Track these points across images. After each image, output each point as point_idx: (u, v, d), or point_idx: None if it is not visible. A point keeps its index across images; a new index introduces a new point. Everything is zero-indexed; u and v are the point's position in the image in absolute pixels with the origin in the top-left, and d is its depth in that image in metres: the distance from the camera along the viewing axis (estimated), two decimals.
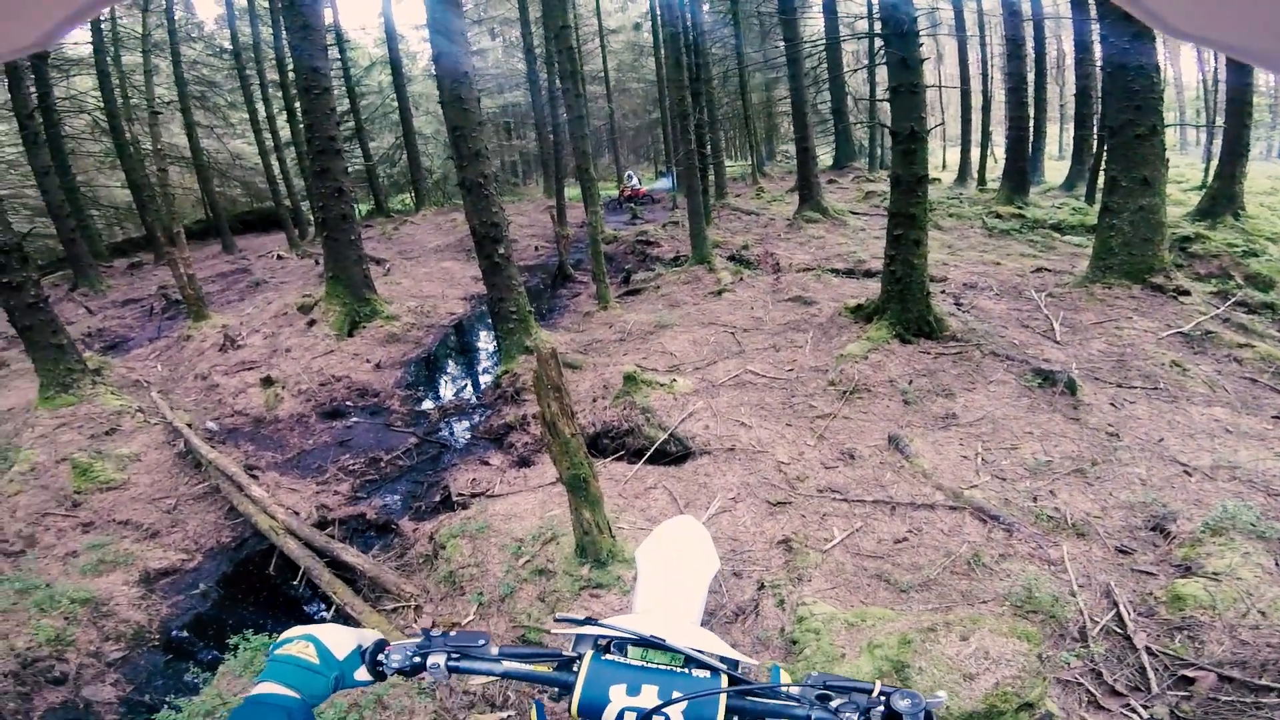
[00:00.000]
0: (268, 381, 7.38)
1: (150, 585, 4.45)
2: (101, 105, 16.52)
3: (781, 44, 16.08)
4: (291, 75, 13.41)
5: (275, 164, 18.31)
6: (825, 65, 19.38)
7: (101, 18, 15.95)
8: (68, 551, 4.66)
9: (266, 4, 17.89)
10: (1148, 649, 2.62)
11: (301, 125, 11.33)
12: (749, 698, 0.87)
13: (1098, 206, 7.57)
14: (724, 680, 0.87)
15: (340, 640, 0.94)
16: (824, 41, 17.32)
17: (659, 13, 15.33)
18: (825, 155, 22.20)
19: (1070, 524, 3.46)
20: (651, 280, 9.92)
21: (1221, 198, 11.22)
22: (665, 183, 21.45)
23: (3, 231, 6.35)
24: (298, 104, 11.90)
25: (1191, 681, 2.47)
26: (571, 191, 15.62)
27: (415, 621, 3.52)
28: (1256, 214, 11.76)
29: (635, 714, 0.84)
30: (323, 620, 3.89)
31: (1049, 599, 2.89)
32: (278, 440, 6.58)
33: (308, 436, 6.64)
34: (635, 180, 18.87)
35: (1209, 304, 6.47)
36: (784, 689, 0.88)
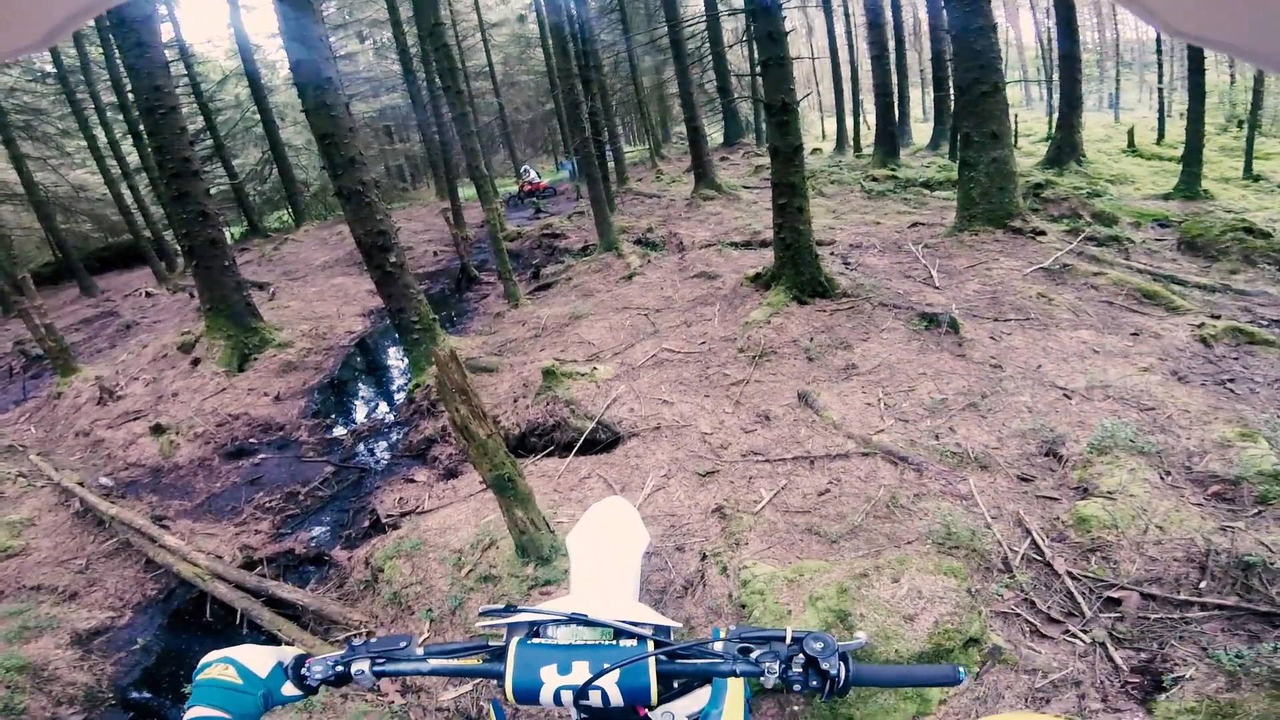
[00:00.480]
0: (158, 429, 6.81)
1: (85, 646, 4.14)
2: None
3: (665, 25, 16.27)
4: (131, 96, 12.20)
5: (127, 193, 16.67)
6: (707, 44, 19.80)
7: None
8: None
9: (92, 23, 16.06)
10: (1069, 573, 2.73)
11: (150, 149, 10.34)
12: (677, 659, 0.91)
13: (958, 162, 8.26)
14: (650, 646, 0.90)
15: (258, 659, 0.95)
16: (703, 20, 17.66)
17: (542, 3, 15.09)
18: (716, 133, 22.75)
19: (973, 457, 3.68)
20: (562, 272, 9.89)
21: (1065, 146, 12.54)
22: (566, 173, 21.26)
23: None
24: (142, 126, 10.85)
25: (1118, 602, 2.59)
26: (467, 191, 15.21)
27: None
28: (1095, 159, 13.23)
29: (570, 691, 0.86)
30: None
31: (967, 533, 3.03)
32: (182, 487, 6.11)
33: (214, 480, 6.20)
34: (533, 174, 18.61)
35: (1063, 241, 7.25)
36: (708, 645, 0.92)
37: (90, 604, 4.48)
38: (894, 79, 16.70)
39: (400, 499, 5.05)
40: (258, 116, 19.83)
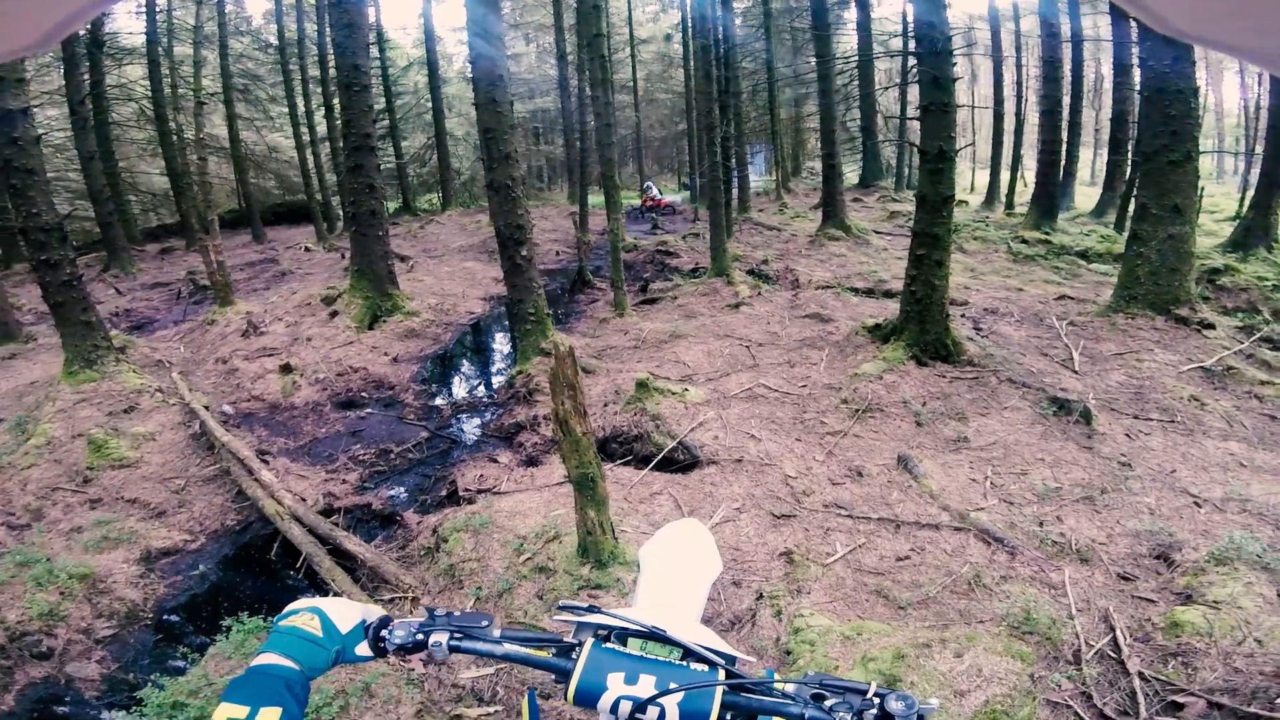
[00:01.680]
0: (286, 369, 7.51)
1: (150, 564, 4.46)
2: (149, 94, 16.99)
3: (813, 60, 16.11)
4: (333, 71, 13.73)
5: (310, 158, 18.70)
6: (856, 83, 19.37)
7: (157, 7, 16.47)
8: (73, 527, 4.71)
9: (313, 1, 18.34)
10: (1140, 674, 2.59)
11: (339, 121, 11.57)
12: (744, 693, 0.87)
13: (1126, 234, 7.47)
14: (720, 675, 0.87)
15: (345, 613, 0.94)
16: (856, 59, 17.30)
17: (690, 24, 15.47)
18: (852, 173, 22.13)
19: (1075, 549, 3.43)
20: (669, 290, 9.96)
21: (1255, 229, 10.94)
22: (687, 194, 21.54)
23: (47, 212, 6.53)
24: (336, 100, 12.14)
25: (1181, 707, 2.43)
26: (594, 199, 15.77)
27: (411, 613, 3.55)
28: None
29: (631, 702, 0.84)
30: None
31: (1046, 621, 2.87)
32: (291, 427, 6.68)
33: (321, 425, 6.74)
34: (655, 190, 18.97)
35: (1234, 338, 6.34)
36: (779, 686, 0.89)
37: (173, 524, 4.88)
38: (1064, 135, 15.42)
39: (480, 476, 5.22)
40: (430, 104, 21.64)
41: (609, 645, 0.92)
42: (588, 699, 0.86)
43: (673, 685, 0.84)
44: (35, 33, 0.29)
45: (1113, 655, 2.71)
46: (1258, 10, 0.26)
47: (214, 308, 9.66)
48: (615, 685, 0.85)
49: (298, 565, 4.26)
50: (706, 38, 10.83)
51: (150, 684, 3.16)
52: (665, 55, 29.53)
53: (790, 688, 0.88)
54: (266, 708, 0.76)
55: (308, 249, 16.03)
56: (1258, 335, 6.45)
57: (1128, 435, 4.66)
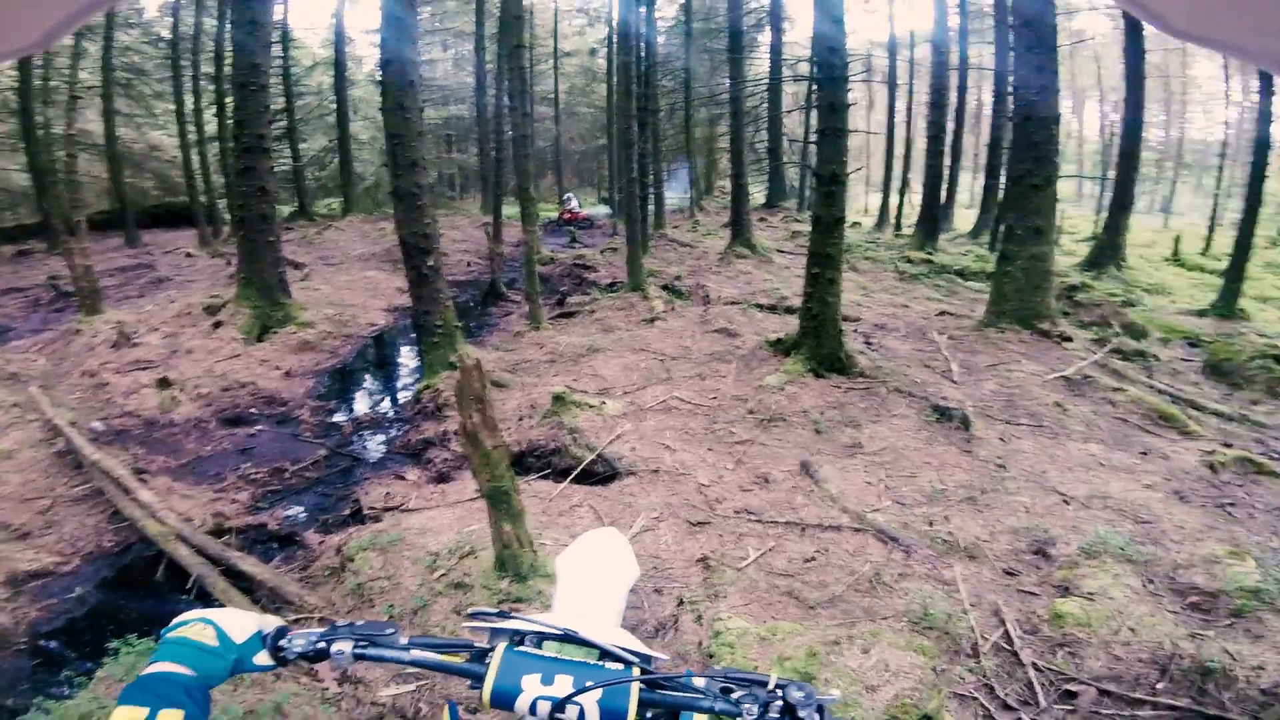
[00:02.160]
0: (164, 383, 6.88)
1: (18, 587, 4.04)
2: (15, 86, 15.24)
3: (727, 81, 16.69)
4: (228, 69, 12.81)
5: (196, 158, 17.31)
6: (766, 105, 20.30)
7: None
8: None
9: None
10: (1034, 664, 2.81)
11: (230, 121, 10.79)
12: (659, 690, 0.90)
13: (997, 254, 8.24)
14: (636, 672, 0.90)
15: (240, 623, 0.91)
16: (766, 82, 18.10)
17: (615, 40, 15.69)
18: (759, 193, 23.15)
19: (962, 547, 3.72)
20: (586, 304, 9.99)
21: (1107, 249, 12.38)
22: (605, 208, 21.72)
23: None
24: (230, 99, 11.30)
25: (1074, 695, 2.66)
26: (510, 210, 15.55)
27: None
28: (1137, 265, 13.16)
29: (549, 702, 0.85)
30: None
31: (943, 616, 3.08)
32: (172, 445, 6.13)
33: (206, 442, 6.22)
34: (574, 203, 18.97)
35: (1089, 350, 7.18)
36: (691, 680, 0.91)
37: (40, 546, 4.41)
38: (946, 161, 16.70)
39: (387, 494, 5.01)
40: (334, 106, 20.61)
41: (522, 649, 0.93)
42: (504, 701, 0.87)
43: (589, 683, 0.85)
44: (35, 33, 0.29)
45: (1007, 647, 2.94)
46: (1258, 10, 0.27)
47: (79, 316, 8.67)
48: (531, 686, 0.86)
49: (188, 587, 3.93)
50: (630, 54, 11.03)
51: (35, 708, 2.84)
52: (589, 69, 29.65)
53: (700, 682, 0.91)
54: (167, 710, 0.73)
55: (189, 254, 14.75)
56: (1109, 347, 7.33)
57: (1002, 439, 5.15)
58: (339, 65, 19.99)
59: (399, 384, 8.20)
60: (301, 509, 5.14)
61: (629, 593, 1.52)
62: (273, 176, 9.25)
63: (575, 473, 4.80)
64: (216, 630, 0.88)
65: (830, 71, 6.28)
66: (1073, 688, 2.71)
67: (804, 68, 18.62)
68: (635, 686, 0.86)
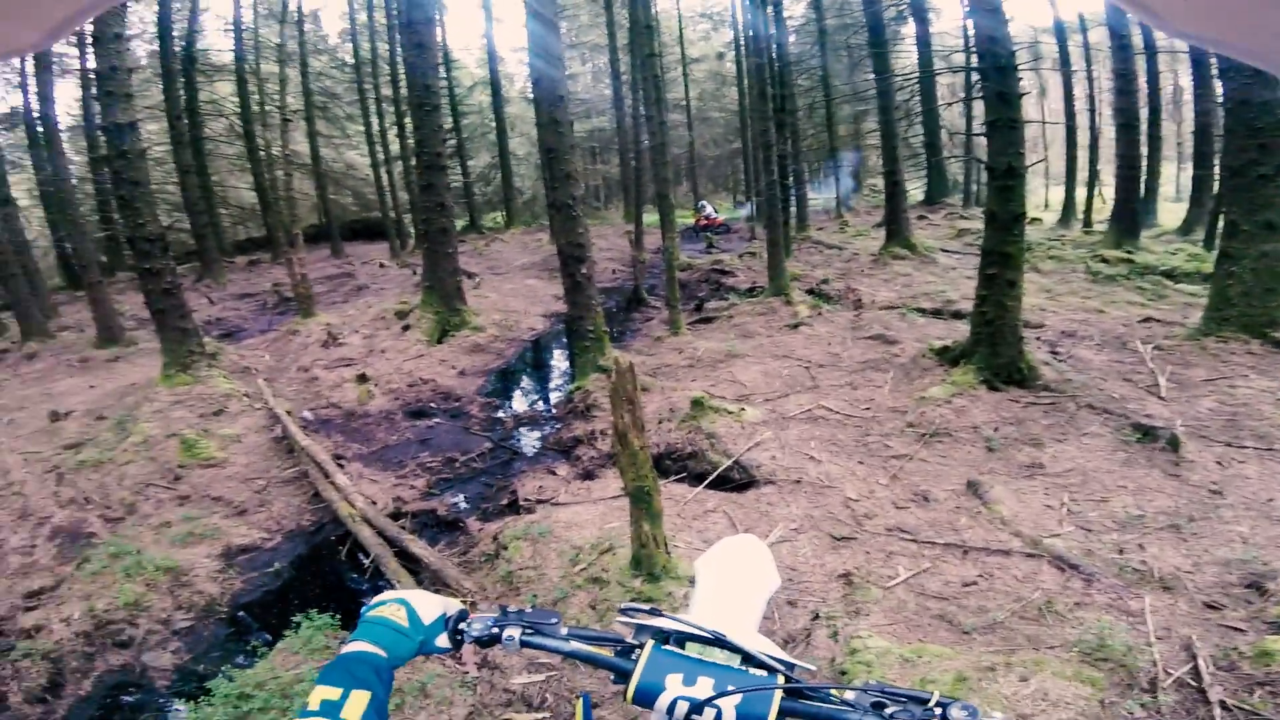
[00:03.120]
0: (362, 378, 7.93)
1: (230, 560, 4.68)
2: (239, 110, 17.96)
3: (871, 76, 15.88)
4: (404, 91, 14.22)
5: (384, 175, 19.42)
6: (918, 98, 18.95)
7: (243, 26, 17.61)
8: (162, 521, 5.00)
9: (385, 21, 19.21)
10: (1221, 703, 2.42)
11: (410, 140, 12.05)
12: (803, 700, 0.87)
13: (1216, 253, 7.00)
14: (779, 680, 0.88)
15: (429, 606, 1.01)
16: (916, 75, 16.94)
17: (743, 43, 15.53)
18: (916, 190, 21.59)
19: (1157, 577, 3.23)
20: (725, 309, 9.95)
21: None
22: (743, 213, 21.46)
23: (151, 222, 7.04)
24: (408, 119, 12.64)
25: None
26: (650, 218, 15.94)
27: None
28: None
29: (688, 703, 0.85)
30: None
31: (1122, 648, 2.71)
32: (365, 433, 7.03)
33: (393, 432, 7.06)
34: (710, 209, 18.97)
35: None
36: (839, 694, 0.89)
37: (253, 522, 5.14)
38: (1143, 150, 14.55)
39: (540, 487, 5.35)
40: (494, 123, 22.39)
41: (668, 648, 0.94)
42: (646, 698, 0.88)
43: (730, 687, 0.84)
44: (35, 33, 0.30)
45: (1193, 683, 2.56)
46: (1258, 10, 0.27)
47: (297, 318, 10.29)
48: (673, 686, 0.87)
49: (365, 566, 4.43)
50: (760, 56, 10.85)
51: (220, 675, 3.27)
52: (718, 74, 29.64)
53: (850, 695, 0.87)
54: (357, 690, 0.81)
55: (382, 265, 16.84)
56: None
57: (1219, 463, 4.36)
58: (494, 84, 21.47)
59: (553, 384, 8.74)
60: (466, 496, 5.65)
61: (769, 603, 1.49)
62: (449, 192, 10.24)
63: (711, 478, 4.80)
64: (409, 611, 0.98)
65: (995, 60, 5.77)
66: None
67: (957, 58, 17.10)
68: (777, 695, 0.85)
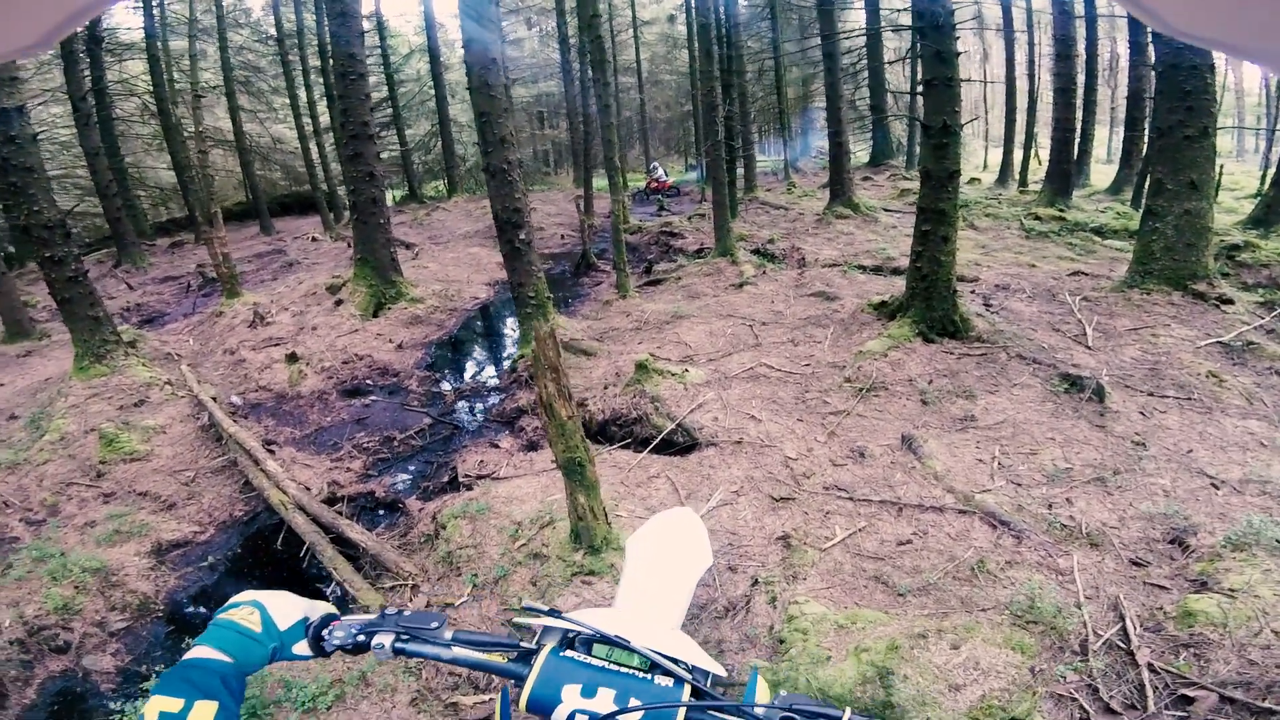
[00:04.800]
0: (292, 358, 7.54)
1: (161, 557, 4.51)
2: (151, 89, 17.01)
3: (818, 36, 15.76)
4: (331, 61, 13.64)
5: (314, 148, 18.64)
6: (865, 60, 18.93)
7: (153, 2, 16.42)
8: (86, 521, 4.76)
9: None
10: (1150, 665, 2.49)
11: (337, 110, 11.52)
12: (709, 713, 0.82)
13: (1142, 210, 7.26)
14: (686, 691, 0.82)
15: (287, 610, 0.93)
16: (862, 33, 16.90)
17: (693, 4, 15.19)
18: (862, 152, 21.74)
19: (1085, 533, 3.30)
20: (673, 271, 9.86)
21: (1277, 205, 10.63)
22: (694, 175, 21.30)
23: (48, 209, 6.57)
24: (334, 89, 12.03)
25: (1191, 701, 2.35)
26: (600, 182, 15.63)
27: (411, 600, 3.54)
28: None
29: (587, 717, 0.80)
30: (323, 595, 3.93)
31: (1052, 609, 2.76)
32: (298, 416, 6.71)
33: (327, 413, 6.77)
34: (661, 172, 18.79)
35: (1253, 314, 6.14)
36: (750, 707, 0.83)
37: (182, 516, 4.92)
38: (1078, 114, 14.99)
39: (481, 462, 5.21)
40: (433, 91, 21.47)
41: (568, 654, 0.87)
42: (541, 709, 0.82)
43: (632, 702, 0.79)
44: (35, 33, 0.29)
45: (1121, 646, 2.62)
46: (1258, 10, 0.26)
47: (222, 300, 9.71)
48: (570, 698, 0.81)
49: (302, 554, 4.27)
50: (707, 16, 10.58)
51: (155, 674, 3.21)
52: (669, 36, 29.15)
53: (760, 710, 0.83)
54: (202, 701, 0.73)
55: (314, 239, 16.06)
56: (1279, 310, 6.23)
57: (1142, 413, 4.52)
58: (432, 50, 20.67)
59: (499, 354, 8.53)
60: (407, 476, 5.48)
61: (699, 582, 1.43)
62: (380, 162, 9.78)
63: (654, 443, 4.74)
64: (262, 616, 0.90)
65: (933, 19, 5.74)
66: (1190, 693, 2.39)
67: (905, 18, 17.09)
68: (681, 712, 0.79)
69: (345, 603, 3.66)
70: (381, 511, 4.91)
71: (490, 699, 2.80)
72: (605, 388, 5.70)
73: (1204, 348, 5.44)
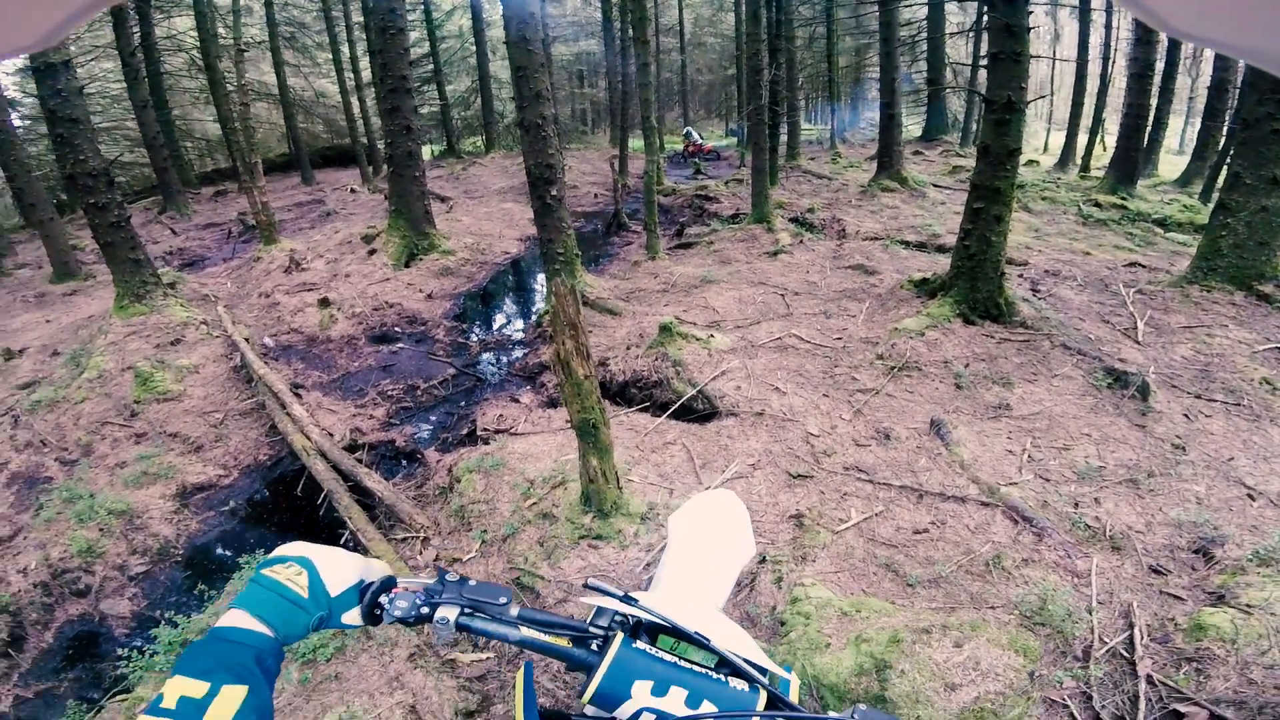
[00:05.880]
0: (324, 303, 7.64)
1: (185, 500, 4.59)
2: (198, 44, 17.24)
3: (875, 7, 15.02)
4: (371, 16, 13.56)
5: (355, 103, 18.77)
6: (924, 31, 18.02)
7: None
8: (117, 462, 4.87)
9: None
10: (1148, 677, 2.40)
11: (377, 64, 11.47)
12: None
13: (1213, 204, 6.79)
14: (762, 698, 0.77)
15: (340, 571, 0.81)
16: (924, 3, 16.04)
17: None
18: (915, 126, 20.85)
19: (1108, 535, 3.16)
20: (705, 235, 9.66)
21: None
22: (734, 140, 20.76)
23: (93, 158, 6.79)
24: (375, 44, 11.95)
25: (1181, 716, 2.27)
26: (636, 143, 15.33)
27: (421, 554, 3.55)
28: None
29: (656, 716, 0.74)
30: (335, 542, 3.97)
31: (1062, 612, 2.66)
32: (326, 360, 6.82)
33: (355, 358, 6.86)
34: (696, 136, 18.34)
35: None
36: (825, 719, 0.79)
37: (209, 459, 5.00)
38: (1152, 100, 14.07)
39: (500, 416, 5.21)
40: (474, 47, 21.25)
41: (638, 644, 0.81)
42: (607, 703, 0.76)
43: (707, 706, 0.74)
44: (35, 33, 0.29)
45: (1125, 655, 2.52)
46: (1258, 10, 0.26)
47: (260, 246, 9.88)
48: (640, 695, 0.75)
49: (319, 500, 4.31)
50: None
51: (165, 621, 3.21)
52: None
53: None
54: (230, 685, 0.63)
55: (353, 190, 16.19)
56: None
57: (1186, 416, 4.28)
58: (475, 8, 20.48)
59: (525, 309, 8.52)
60: (428, 426, 5.52)
61: (740, 572, 1.37)
62: (417, 116, 9.75)
63: (673, 409, 4.67)
64: (311, 577, 0.78)
65: None
66: (1182, 708, 2.30)
67: None
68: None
69: (358, 553, 3.68)
70: (401, 461, 4.97)
71: (487, 658, 2.80)
72: (628, 348, 5.63)
73: (1261, 353, 5.11)
